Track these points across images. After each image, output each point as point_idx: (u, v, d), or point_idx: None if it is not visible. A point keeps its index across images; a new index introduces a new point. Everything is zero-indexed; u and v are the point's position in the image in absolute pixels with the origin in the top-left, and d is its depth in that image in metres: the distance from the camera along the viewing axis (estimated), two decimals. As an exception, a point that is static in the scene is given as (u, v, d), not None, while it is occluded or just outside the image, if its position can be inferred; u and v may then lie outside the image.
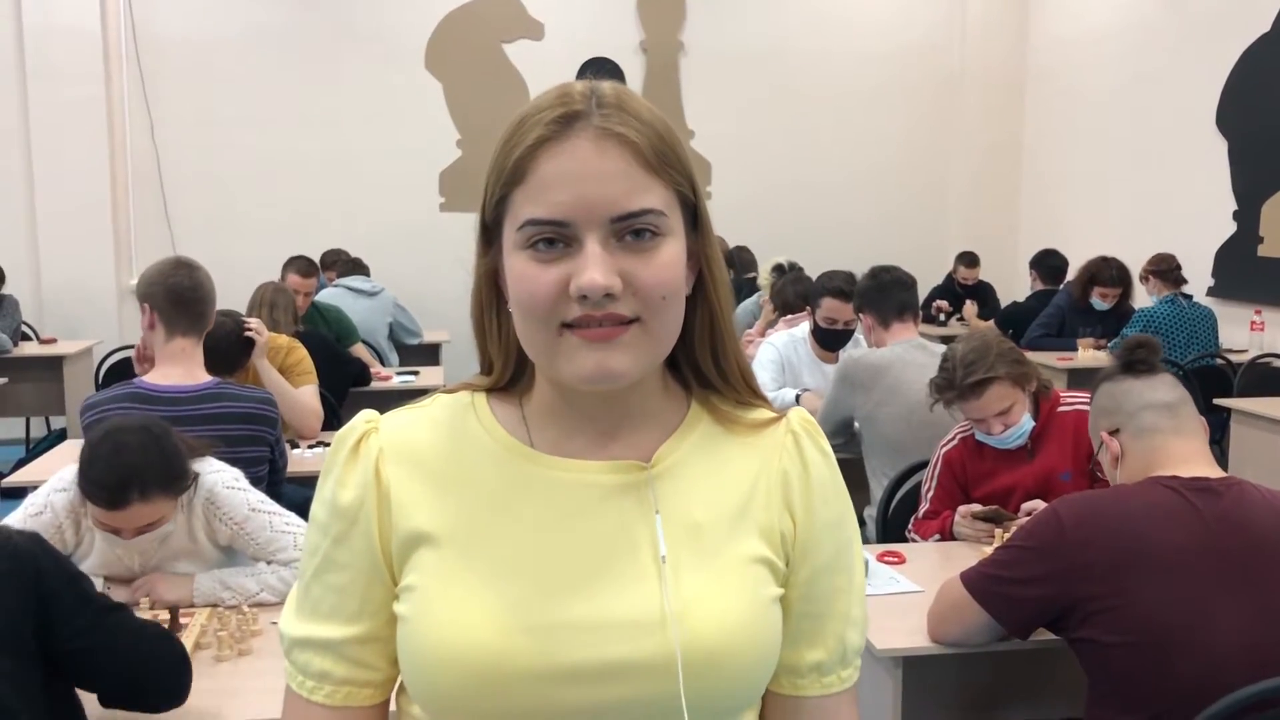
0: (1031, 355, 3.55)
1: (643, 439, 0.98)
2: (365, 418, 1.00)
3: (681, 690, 0.89)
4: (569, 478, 0.95)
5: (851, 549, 1.03)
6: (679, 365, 1.00)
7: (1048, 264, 6.88)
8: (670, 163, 0.90)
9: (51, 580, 1.57)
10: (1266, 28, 6.16)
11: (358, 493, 0.96)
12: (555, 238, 0.87)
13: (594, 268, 0.85)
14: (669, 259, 0.89)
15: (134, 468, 2.08)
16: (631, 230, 0.87)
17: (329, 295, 5.90)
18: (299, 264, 5.44)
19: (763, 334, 4.80)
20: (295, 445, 3.72)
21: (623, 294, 0.87)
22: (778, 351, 4.24)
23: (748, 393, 1.02)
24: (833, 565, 1.00)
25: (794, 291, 4.83)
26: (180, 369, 2.86)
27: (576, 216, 0.86)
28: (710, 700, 0.92)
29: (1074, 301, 6.20)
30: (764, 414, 1.02)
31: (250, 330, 3.60)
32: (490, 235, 0.94)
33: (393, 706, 1.01)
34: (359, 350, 5.43)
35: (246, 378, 3.67)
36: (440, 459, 0.97)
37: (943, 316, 7.39)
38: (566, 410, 0.97)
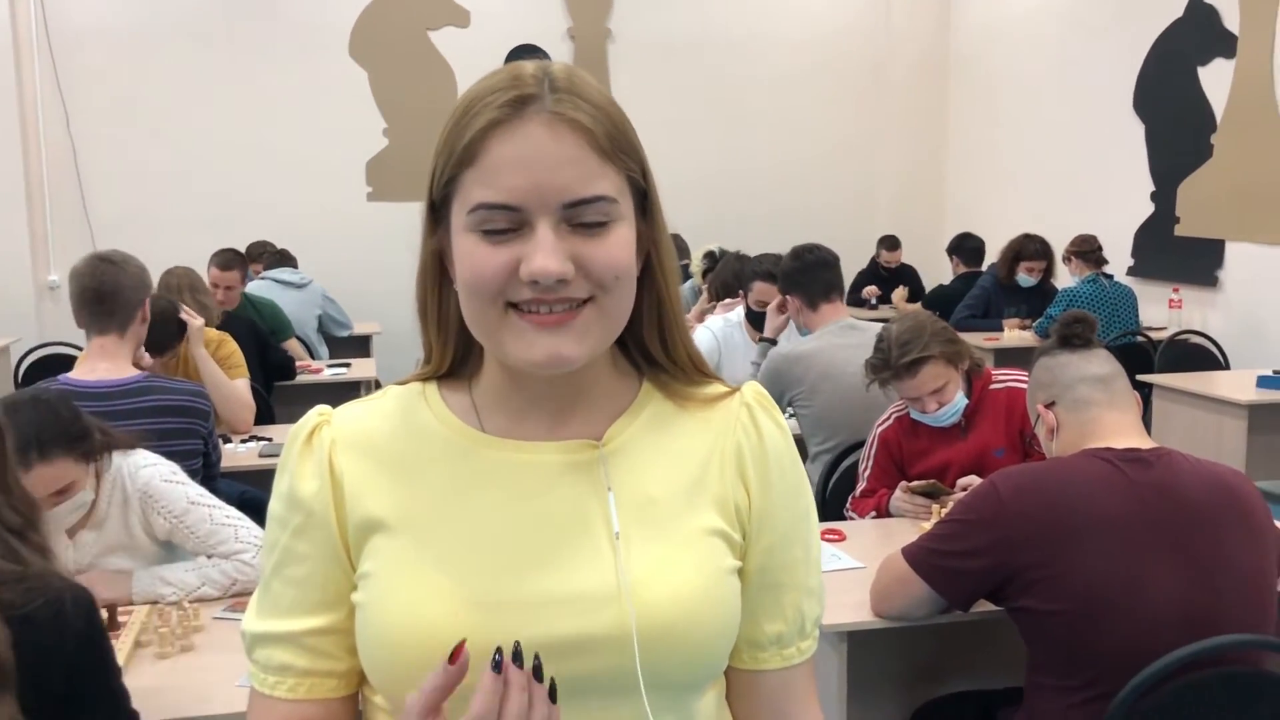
0: (959, 336, 3.60)
1: (594, 419, 0.98)
2: (318, 411, 1.00)
3: (638, 663, 0.89)
4: (521, 459, 0.95)
5: (808, 520, 1.03)
6: (628, 347, 1.00)
7: (966, 247, 7.00)
8: (623, 148, 0.91)
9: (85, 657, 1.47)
10: (1179, 13, 6.32)
11: (313, 484, 0.95)
12: (506, 221, 0.87)
13: (545, 253, 0.85)
14: (619, 241, 0.90)
15: (27, 427, 1.98)
16: (583, 216, 0.87)
17: (256, 288, 5.78)
18: (219, 258, 5.06)
19: (700, 319, 4.81)
20: (228, 440, 3.66)
21: (574, 277, 0.87)
22: (714, 336, 4.26)
23: (696, 374, 1.02)
24: (790, 536, 1.01)
25: (732, 273, 4.83)
26: (106, 363, 2.81)
27: (529, 201, 0.86)
28: (668, 673, 0.92)
29: (999, 281, 6.32)
30: (717, 389, 1.03)
31: (185, 314, 3.54)
32: (437, 215, 0.93)
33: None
34: (292, 345, 5.32)
35: (179, 367, 3.61)
36: (392, 447, 0.97)
37: (874, 300, 7.47)
38: (516, 393, 0.96)
